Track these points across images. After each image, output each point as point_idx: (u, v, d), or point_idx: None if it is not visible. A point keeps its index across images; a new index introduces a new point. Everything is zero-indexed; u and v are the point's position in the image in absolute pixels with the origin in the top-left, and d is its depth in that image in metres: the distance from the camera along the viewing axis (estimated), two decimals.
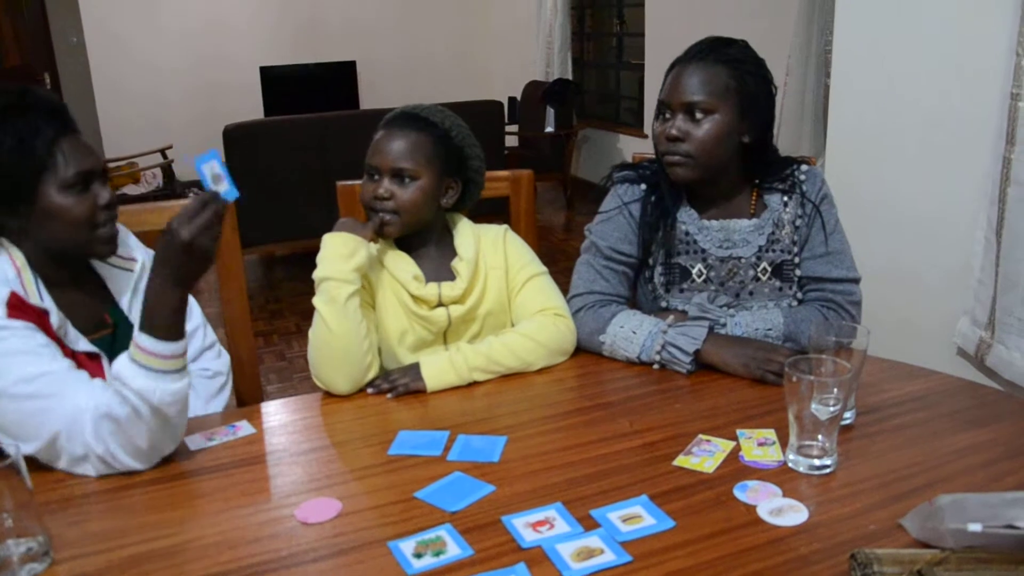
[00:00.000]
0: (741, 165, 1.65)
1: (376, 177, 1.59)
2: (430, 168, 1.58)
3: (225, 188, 1.27)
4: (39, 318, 1.30)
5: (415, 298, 1.60)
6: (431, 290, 1.61)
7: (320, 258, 1.53)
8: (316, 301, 1.51)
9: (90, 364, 1.37)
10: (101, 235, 1.38)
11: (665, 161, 1.62)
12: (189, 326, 1.56)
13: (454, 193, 1.66)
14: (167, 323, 1.23)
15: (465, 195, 1.69)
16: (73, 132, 1.36)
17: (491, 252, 1.69)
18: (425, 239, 1.66)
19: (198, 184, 6.98)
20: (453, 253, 1.66)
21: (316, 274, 1.52)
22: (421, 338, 1.63)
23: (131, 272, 1.51)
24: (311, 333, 1.52)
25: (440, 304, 1.62)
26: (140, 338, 1.22)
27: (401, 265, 1.61)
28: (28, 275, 1.34)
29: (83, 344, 1.38)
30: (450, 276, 1.64)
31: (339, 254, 1.52)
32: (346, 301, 1.50)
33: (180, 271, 1.23)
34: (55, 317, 1.32)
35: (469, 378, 1.55)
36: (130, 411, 1.21)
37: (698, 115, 1.57)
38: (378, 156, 1.58)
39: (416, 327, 1.62)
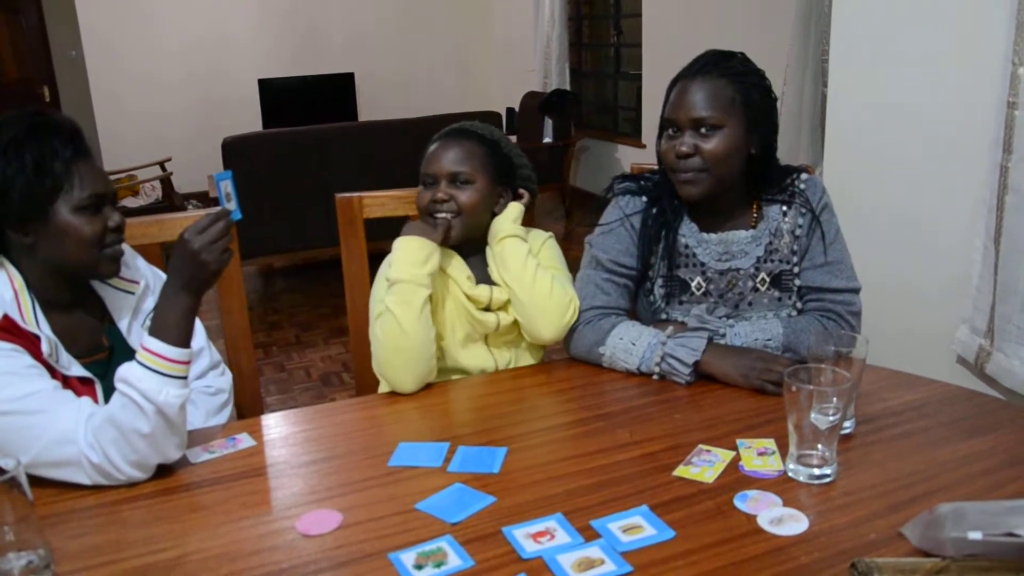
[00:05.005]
0: (745, 178, 1.65)
1: (432, 184, 1.65)
2: (484, 173, 1.65)
3: (232, 208, 1.35)
4: (29, 343, 1.32)
5: (468, 297, 1.65)
6: (483, 291, 1.66)
7: (394, 259, 1.57)
8: (390, 302, 1.54)
9: (83, 389, 1.38)
10: (107, 255, 1.41)
11: (677, 179, 1.61)
12: (194, 346, 1.57)
13: (504, 202, 1.71)
14: (176, 328, 1.28)
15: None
16: (88, 155, 1.40)
17: None
18: (473, 245, 1.71)
19: (197, 196, 6.97)
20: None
21: (391, 275, 1.56)
22: (468, 334, 1.68)
23: (132, 294, 1.52)
24: (380, 332, 1.55)
25: (488, 308, 1.67)
26: (149, 341, 1.26)
27: (455, 263, 1.67)
28: (25, 297, 1.37)
29: (76, 369, 1.39)
30: (491, 282, 1.69)
31: (416, 259, 1.56)
32: (422, 305, 1.54)
33: (190, 279, 1.30)
34: (45, 344, 1.34)
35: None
36: (134, 413, 1.22)
37: (706, 130, 1.56)
38: (434, 164, 1.65)
39: (465, 323, 1.66)
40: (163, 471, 1.30)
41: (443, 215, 1.63)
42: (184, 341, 1.29)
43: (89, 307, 1.49)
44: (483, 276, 1.70)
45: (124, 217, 1.44)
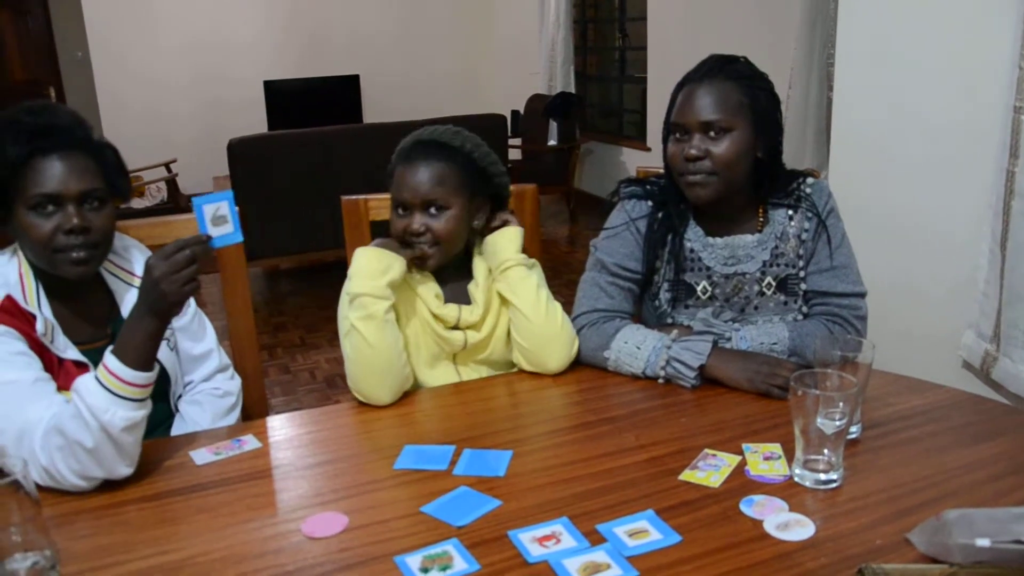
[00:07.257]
0: (751, 182, 1.64)
1: (404, 212, 1.58)
2: (459, 195, 1.58)
3: (229, 231, 1.30)
4: (26, 322, 1.33)
5: (435, 316, 1.61)
6: (451, 311, 1.61)
7: (352, 272, 1.53)
8: (352, 317, 1.51)
9: (76, 371, 1.38)
10: (63, 258, 1.38)
11: (685, 182, 1.60)
12: (202, 348, 1.58)
13: (483, 213, 1.66)
14: (136, 350, 1.25)
15: (495, 207, 1.70)
16: (51, 153, 1.36)
17: None
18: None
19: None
20: (471, 275, 1.67)
21: (349, 289, 1.52)
22: (434, 354, 1.63)
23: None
24: (350, 348, 1.52)
25: (457, 327, 1.63)
26: (108, 359, 1.25)
27: (424, 281, 1.62)
28: (30, 280, 1.39)
29: (71, 352, 1.40)
30: (466, 298, 1.65)
31: (373, 269, 1.51)
32: (384, 316, 1.51)
33: (152, 304, 1.27)
34: (40, 324, 1.34)
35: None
36: (79, 425, 1.21)
37: (716, 134, 1.56)
38: (406, 191, 1.57)
39: (431, 343, 1.62)
40: (169, 473, 1.30)
41: (421, 247, 1.57)
42: (143, 364, 1.25)
43: (98, 297, 1.50)
44: (454, 294, 1.65)
45: (91, 220, 1.39)
